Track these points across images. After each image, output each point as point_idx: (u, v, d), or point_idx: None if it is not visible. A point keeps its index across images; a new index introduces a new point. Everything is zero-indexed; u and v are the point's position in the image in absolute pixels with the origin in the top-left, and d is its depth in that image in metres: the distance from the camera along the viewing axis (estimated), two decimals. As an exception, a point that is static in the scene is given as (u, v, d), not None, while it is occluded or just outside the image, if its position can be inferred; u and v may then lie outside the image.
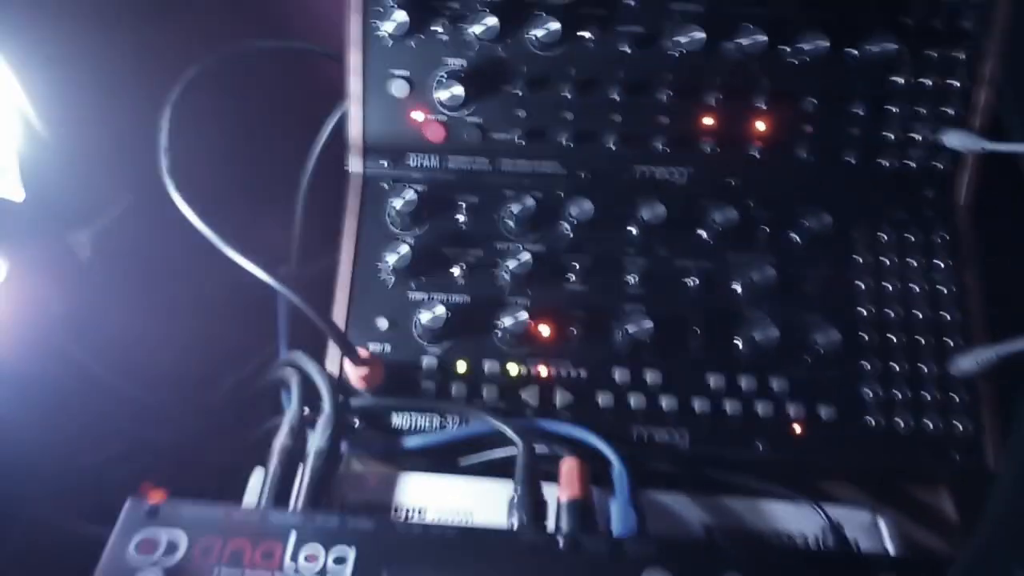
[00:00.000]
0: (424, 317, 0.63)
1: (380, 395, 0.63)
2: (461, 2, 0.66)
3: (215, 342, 0.76)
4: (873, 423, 0.63)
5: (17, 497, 0.65)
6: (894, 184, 0.69)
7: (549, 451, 0.59)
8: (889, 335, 0.65)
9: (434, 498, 0.58)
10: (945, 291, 0.67)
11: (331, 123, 0.73)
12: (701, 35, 0.64)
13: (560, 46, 0.66)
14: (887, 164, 0.69)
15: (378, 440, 0.62)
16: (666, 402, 0.63)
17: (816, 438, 0.63)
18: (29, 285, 0.66)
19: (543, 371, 0.64)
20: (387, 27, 0.65)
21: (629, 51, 0.67)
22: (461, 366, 0.64)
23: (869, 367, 0.65)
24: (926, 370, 0.64)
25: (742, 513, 0.59)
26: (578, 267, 0.67)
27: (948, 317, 0.66)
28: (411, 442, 0.61)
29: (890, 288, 0.67)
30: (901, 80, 0.67)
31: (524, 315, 0.63)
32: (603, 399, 0.63)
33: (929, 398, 0.64)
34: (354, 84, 0.68)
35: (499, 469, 0.59)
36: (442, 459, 0.62)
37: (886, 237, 0.68)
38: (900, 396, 0.64)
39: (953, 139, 0.67)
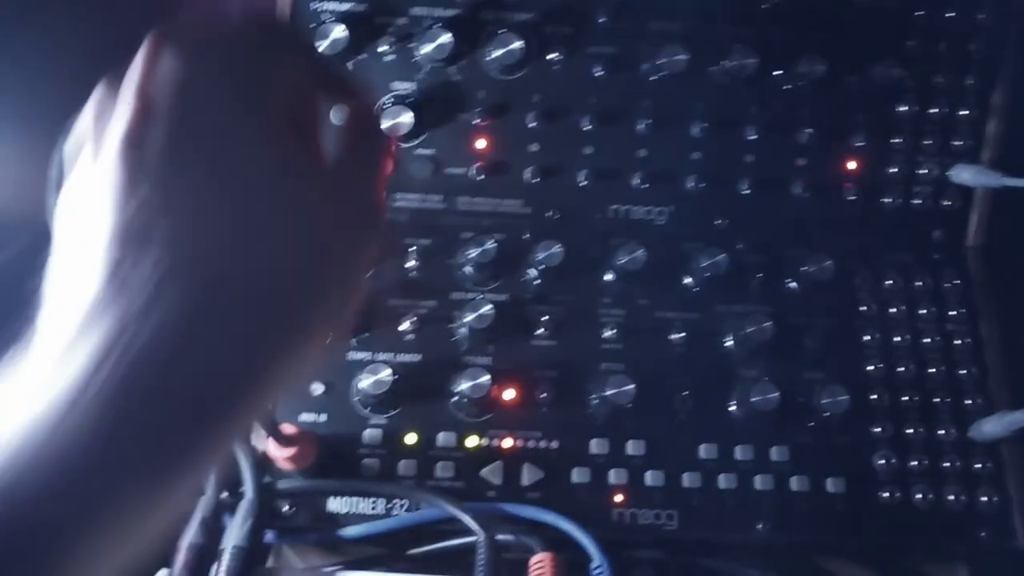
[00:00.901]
0: (366, 381, 0.59)
1: (314, 476, 0.58)
2: (410, 17, 0.63)
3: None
4: (888, 496, 0.60)
5: None
6: (899, 224, 0.68)
7: (516, 540, 0.55)
8: (901, 395, 0.63)
9: (379, 599, 0.54)
10: (959, 343, 0.65)
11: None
12: (683, 57, 0.62)
13: (523, 68, 0.64)
14: (890, 201, 0.67)
15: (312, 529, 0.58)
16: (651, 478, 0.60)
17: (824, 515, 0.59)
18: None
19: (507, 443, 0.61)
20: (322, 45, 0.62)
21: (602, 75, 0.64)
22: (410, 439, 0.60)
23: (881, 432, 0.62)
24: (944, 434, 0.62)
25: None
26: (547, 320, 0.64)
27: (964, 372, 0.64)
28: (351, 531, 0.57)
29: (899, 340, 0.64)
30: (905, 108, 0.66)
31: (485, 377, 0.60)
32: (578, 476, 0.60)
33: (949, 466, 0.61)
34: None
35: (456, 562, 0.55)
36: (389, 551, 0.58)
37: (892, 283, 0.66)
38: (917, 465, 0.61)
39: (964, 174, 0.66)
